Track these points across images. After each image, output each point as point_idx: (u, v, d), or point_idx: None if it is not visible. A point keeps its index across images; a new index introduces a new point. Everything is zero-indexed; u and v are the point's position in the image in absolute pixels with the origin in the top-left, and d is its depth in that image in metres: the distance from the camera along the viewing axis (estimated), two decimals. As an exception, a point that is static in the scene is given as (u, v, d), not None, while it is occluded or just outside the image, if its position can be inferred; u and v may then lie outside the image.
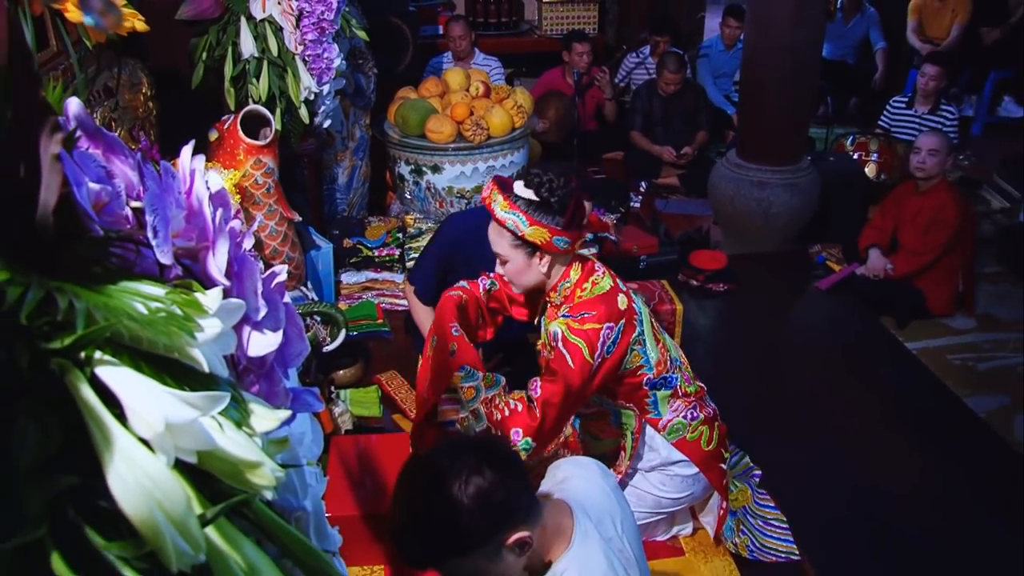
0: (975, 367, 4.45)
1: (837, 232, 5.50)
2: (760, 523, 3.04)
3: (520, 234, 2.63)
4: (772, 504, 3.11)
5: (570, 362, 2.60)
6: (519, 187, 2.65)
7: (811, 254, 5.38)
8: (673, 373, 2.81)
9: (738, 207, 5.36)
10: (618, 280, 2.80)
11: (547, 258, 2.68)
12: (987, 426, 3.86)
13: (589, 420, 3.12)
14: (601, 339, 2.64)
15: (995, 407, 4.10)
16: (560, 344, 2.63)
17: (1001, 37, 7.71)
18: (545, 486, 1.99)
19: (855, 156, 6.30)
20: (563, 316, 2.69)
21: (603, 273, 2.77)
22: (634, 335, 2.71)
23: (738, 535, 2.99)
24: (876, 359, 4.39)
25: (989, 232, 5.80)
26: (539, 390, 2.59)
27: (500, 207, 2.66)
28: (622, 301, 2.71)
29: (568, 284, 2.74)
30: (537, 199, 2.61)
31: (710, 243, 5.46)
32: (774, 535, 3.03)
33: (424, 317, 3.58)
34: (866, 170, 6.20)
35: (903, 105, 6.64)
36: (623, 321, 2.68)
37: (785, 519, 3.07)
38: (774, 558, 2.98)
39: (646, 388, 2.78)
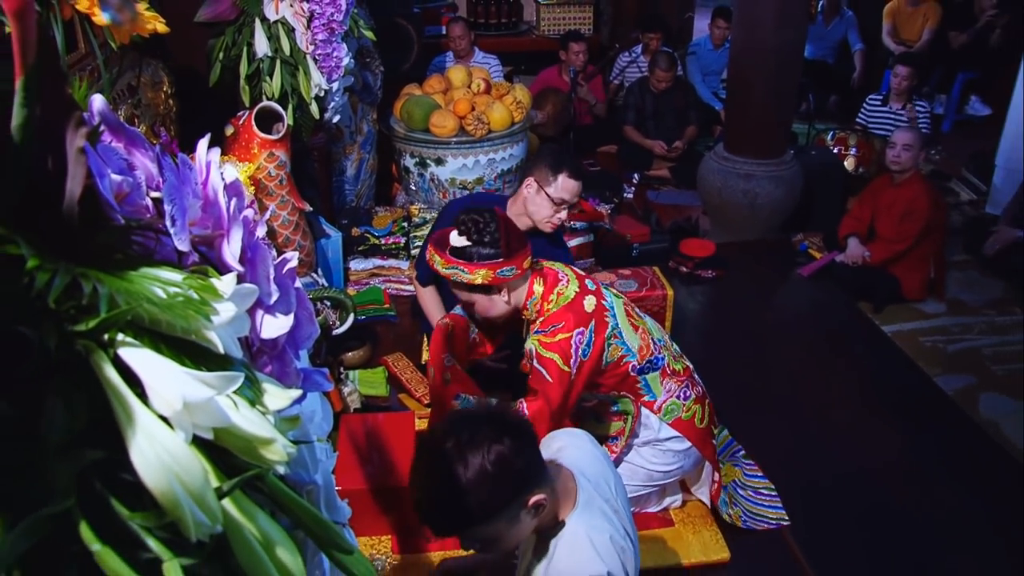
0: (945, 349, 4.46)
1: (818, 222, 5.51)
2: (750, 493, 3.05)
3: (467, 282, 2.66)
4: (760, 474, 3.12)
5: (547, 376, 2.62)
6: (454, 237, 2.68)
7: (794, 242, 5.38)
8: (659, 354, 2.81)
9: (725, 198, 5.35)
10: (585, 280, 2.80)
11: (503, 289, 2.71)
12: (955, 404, 3.87)
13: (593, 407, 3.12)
14: (573, 346, 2.66)
15: (962, 386, 4.11)
16: (535, 362, 2.65)
17: (967, 41, 7.75)
18: (544, 455, 2.00)
19: (835, 150, 6.30)
20: (535, 332, 2.72)
21: (567, 280, 2.77)
22: (608, 331, 2.71)
23: (731, 507, 2.99)
24: (854, 341, 4.40)
25: (958, 222, 5.81)
26: (525, 410, 2.62)
27: (440, 266, 2.71)
28: (589, 303, 2.71)
29: (536, 299, 2.75)
30: (469, 243, 2.65)
31: (699, 232, 5.46)
32: (764, 503, 3.04)
33: (428, 301, 3.59)
34: (845, 163, 6.21)
35: (879, 102, 6.68)
36: (593, 322, 2.69)
37: (774, 487, 3.08)
38: (766, 525, 2.98)
39: (634, 374, 2.77)
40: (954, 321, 4.73)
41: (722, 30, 7.39)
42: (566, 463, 1.90)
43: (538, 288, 2.75)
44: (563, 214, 3.32)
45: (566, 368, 2.64)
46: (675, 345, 2.99)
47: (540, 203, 3.31)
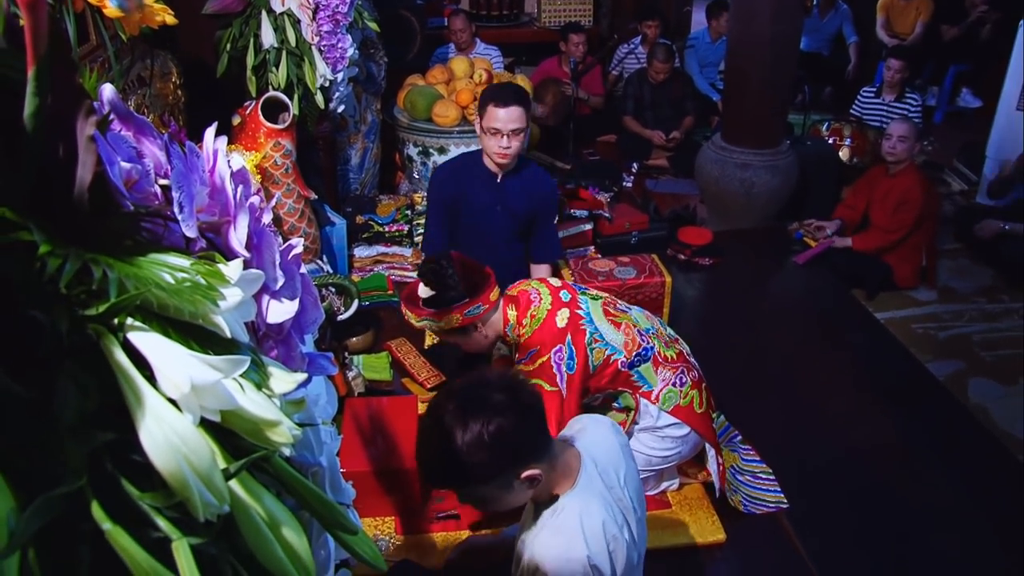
0: (936, 335, 4.47)
1: (813, 210, 5.49)
2: (748, 478, 3.04)
3: (441, 328, 2.75)
4: (758, 459, 3.11)
5: None
6: (421, 289, 2.78)
7: (789, 231, 5.38)
8: (647, 344, 2.81)
9: (723, 187, 5.35)
10: (560, 293, 2.83)
11: (478, 324, 2.77)
12: (945, 389, 3.87)
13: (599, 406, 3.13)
14: (555, 366, 2.70)
15: (952, 372, 4.13)
16: None
17: (959, 34, 7.75)
18: (564, 433, 2.02)
19: (830, 141, 6.30)
20: (517, 363, 2.78)
21: (539, 299, 2.80)
22: (587, 338, 2.73)
23: (732, 493, 2.99)
24: (848, 327, 4.39)
25: (949, 212, 5.81)
26: None
27: (414, 321, 2.83)
28: (561, 318, 2.74)
29: (512, 325, 2.80)
30: (434, 293, 2.73)
31: (696, 220, 5.45)
32: (763, 487, 3.03)
33: None
34: (840, 154, 6.20)
35: (872, 94, 6.68)
36: (568, 335, 2.71)
37: (771, 471, 3.08)
38: (766, 508, 2.98)
39: (625, 370, 2.77)
40: (945, 308, 4.74)
41: (719, 23, 7.39)
42: (578, 444, 1.91)
43: (511, 313, 2.81)
44: (505, 142, 3.37)
45: (553, 388, 2.68)
46: (668, 330, 2.99)
47: (483, 139, 3.43)
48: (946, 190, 6.35)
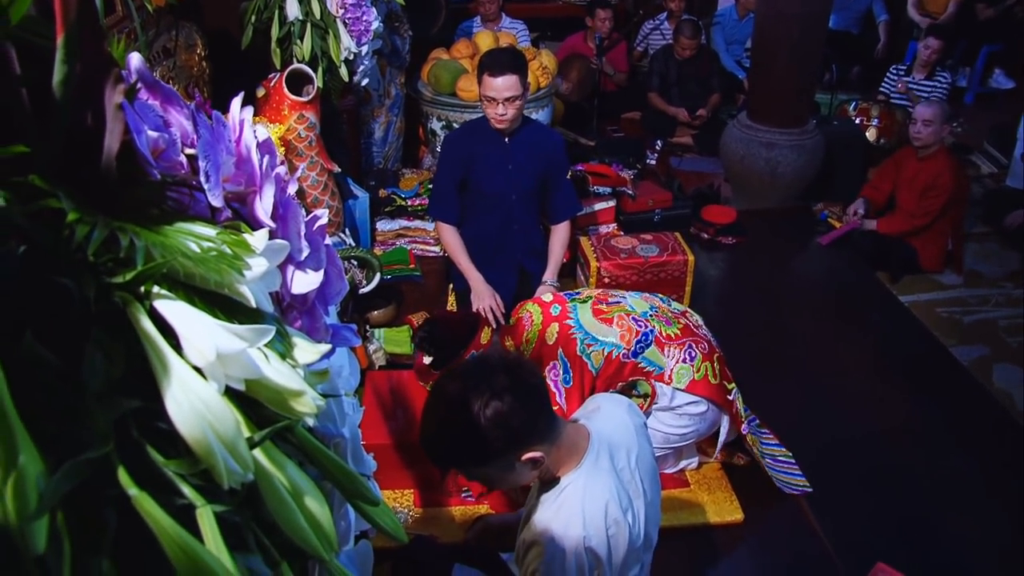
0: (961, 320, 4.43)
1: (838, 191, 5.47)
2: (769, 461, 3.04)
3: None
4: (776, 441, 3.10)
5: None
6: (424, 359, 2.92)
7: (814, 211, 5.34)
8: (646, 329, 2.81)
9: (747, 166, 5.32)
10: (550, 308, 2.89)
11: None
12: (969, 374, 3.85)
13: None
14: (551, 383, 2.77)
15: (977, 356, 4.09)
16: None
17: (995, 15, 7.62)
18: (578, 413, 2.02)
19: (857, 121, 6.24)
20: None
21: (531, 321, 2.87)
22: (578, 346, 2.78)
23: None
24: (871, 310, 4.37)
25: (978, 195, 5.75)
26: None
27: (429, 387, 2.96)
28: (551, 334, 2.80)
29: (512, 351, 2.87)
30: (432, 359, 2.88)
31: (720, 199, 5.43)
32: (784, 470, 3.02)
33: (451, 239, 3.62)
34: (867, 134, 6.14)
35: (902, 73, 6.59)
36: (560, 350, 2.78)
37: (791, 454, 3.06)
38: (790, 491, 2.98)
39: (630, 360, 2.78)
40: (971, 293, 4.70)
41: (748, -1, 7.33)
42: (590, 424, 1.90)
43: (509, 343, 2.88)
44: (501, 109, 3.41)
45: (554, 406, 2.69)
46: (673, 305, 3.00)
47: (484, 104, 3.48)
48: (975, 172, 6.28)
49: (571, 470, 1.80)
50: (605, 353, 2.76)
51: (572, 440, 1.82)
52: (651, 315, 2.85)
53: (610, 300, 2.90)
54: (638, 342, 2.78)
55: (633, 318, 2.82)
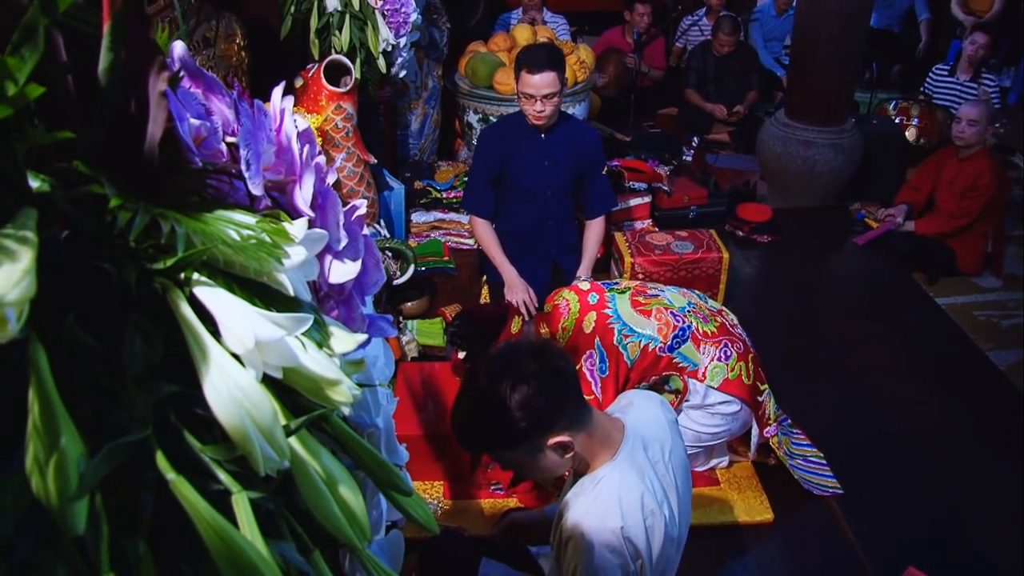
0: (999, 324, 4.37)
1: (876, 191, 5.40)
2: (800, 461, 3.01)
3: None
4: (807, 442, 3.07)
5: None
6: (460, 354, 2.91)
7: (851, 211, 5.29)
8: (684, 324, 2.79)
9: (784, 164, 5.27)
10: (587, 296, 2.86)
11: None
12: (1005, 378, 3.80)
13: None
14: (587, 372, 2.75)
15: (1014, 361, 4.03)
16: None
17: None
18: (611, 408, 2.03)
19: (897, 120, 6.15)
20: None
21: (567, 309, 2.85)
22: (616, 337, 2.76)
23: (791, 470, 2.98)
24: (907, 311, 4.32)
25: (1018, 197, 5.65)
26: None
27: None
28: (588, 322, 2.78)
29: (548, 338, 2.87)
30: (465, 354, 2.88)
31: (756, 196, 5.39)
32: (816, 471, 3.00)
33: (484, 232, 3.63)
34: (906, 134, 6.06)
35: (945, 73, 6.49)
36: (597, 339, 2.76)
37: (822, 455, 3.04)
38: (820, 492, 2.96)
39: (666, 354, 2.77)
40: (1010, 296, 4.63)
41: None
42: (624, 418, 1.90)
43: (544, 332, 2.88)
44: (539, 106, 3.42)
45: (589, 396, 2.71)
46: (710, 303, 2.97)
47: (521, 101, 3.48)
48: (1017, 174, 6.18)
49: (606, 462, 1.80)
50: (641, 345, 2.75)
51: (606, 431, 1.83)
52: (689, 311, 2.84)
53: (648, 292, 2.89)
54: (675, 337, 2.76)
55: (671, 312, 2.81)
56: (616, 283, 2.99)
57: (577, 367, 2.69)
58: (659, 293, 2.90)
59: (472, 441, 1.86)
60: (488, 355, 1.82)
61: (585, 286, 2.94)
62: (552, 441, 1.73)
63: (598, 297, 2.84)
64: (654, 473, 1.82)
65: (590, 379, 2.74)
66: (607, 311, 2.79)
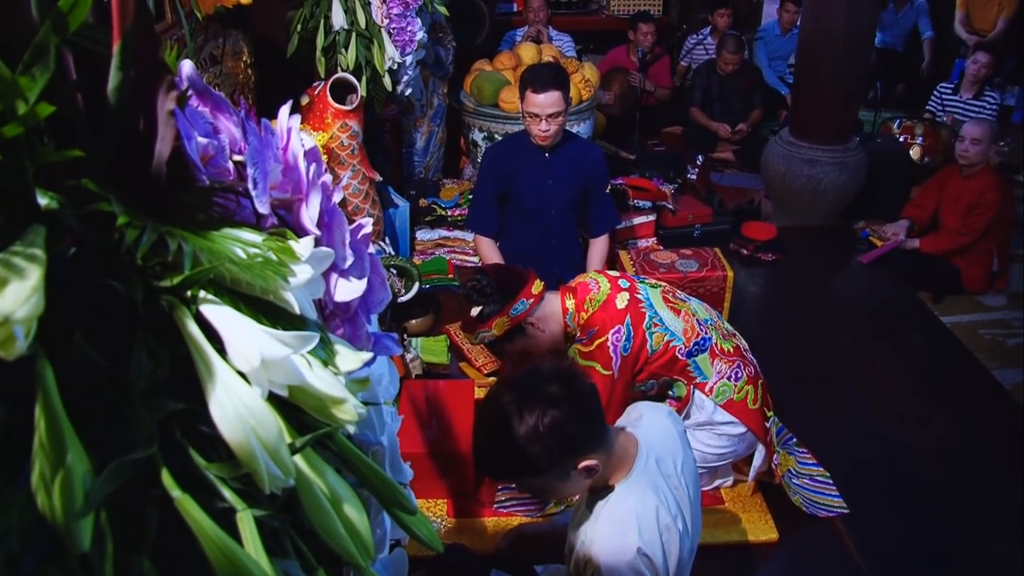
0: (1004, 342, 4.36)
1: (881, 210, 5.40)
2: (806, 481, 2.99)
3: (495, 337, 2.80)
4: (814, 461, 3.05)
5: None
6: (473, 311, 2.83)
7: (856, 229, 5.29)
8: (706, 334, 2.78)
9: (789, 182, 5.28)
10: (618, 280, 2.83)
11: (532, 323, 2.79)
12: (1011, 397, 3.78)
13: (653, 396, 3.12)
14: (612, 347, 2.70)
15: (1020, 380, 4.03)
16: None
17: None
18: (621, 421, 2.02)
19: (901, 139, 6.17)
20: (575, 341, 2.79)
21: (597, 286, 2.81)
22: (646, 321, 2.73)
23: (791, 495, 2.96)
24: (911, 330, 4.31)
25: (1023, 215, 5.66)
26: None
27: (472, 341, 2.95)
28: (621, 300, 2.74)
29: (572, 314, 2.81)
30: (480, 309, 2.79)
31: (761, 215, 5.39)
32: (821, 491, 2.98)
33: (488, 251, 3.64)
34: (911, 152, 6.07)
35: (950, 91, 6.52)
36: (628, 316, 2.72)
37: (828, 474, 3.02)
38: (825, 513, 2.94)
39: (683, 358, 2.75)
40: (1015, 315, 4.62)
41: (791, 14, 7.26)
42: (637, 432, 1.90)
43: (570, 304, 2.82)
44: (544, 125, 3.42)
45: (607, 372, 2.68)
46: (726, 324, 2.97)
47: (526, 120, 3.48)
48: (1021, 192, 6.18)
49: (622, 478, 1.80)
50: (665, 339, 2.73)
51: (623, 447, 1.83)
52: (711, 324, 2.84)
53: (677, 295, 2.88)
54: (696, 343, 2.76)
55: (697, 320, 2.80)
56: (645, 277, 2.99)
57: (602, 340, 2.68)
58: (686, 300, 2.89)
59: (500, 471, 1.83)
60: (508, 380, 1.81)
61: (614, 273, 2.92)
62: (582, 465, 1.72)
63: (629, 283, 2.81)
64: (667, 487, 1.82)
65: (612, 355, 2.69)
66: (640, 296, 2.76)
